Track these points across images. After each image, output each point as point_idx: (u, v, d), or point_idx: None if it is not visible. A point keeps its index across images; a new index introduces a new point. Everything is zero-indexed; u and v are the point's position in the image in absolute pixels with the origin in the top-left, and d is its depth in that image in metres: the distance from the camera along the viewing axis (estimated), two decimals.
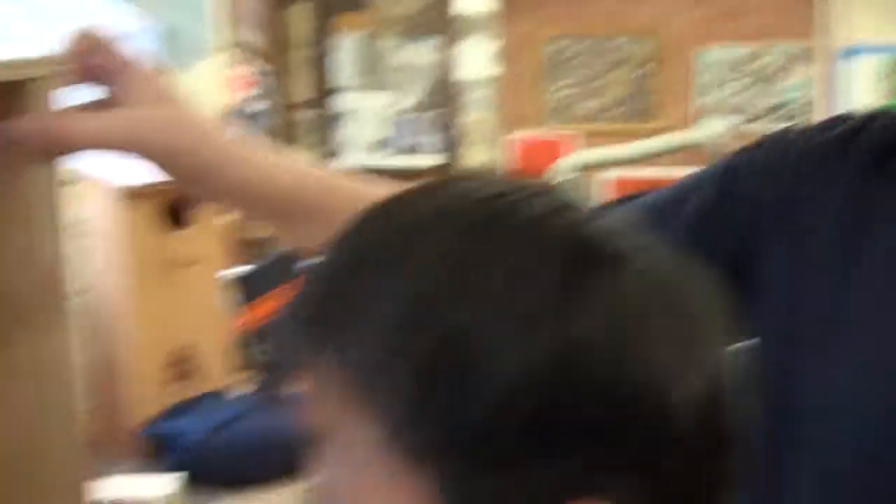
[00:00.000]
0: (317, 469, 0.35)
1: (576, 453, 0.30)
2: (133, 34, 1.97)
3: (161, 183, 0.72)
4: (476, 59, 3.56)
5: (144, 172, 0.61)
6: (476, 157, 3.81)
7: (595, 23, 3.93)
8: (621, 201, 0.63)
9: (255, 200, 0.56)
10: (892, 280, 0.51)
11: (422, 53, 3.57)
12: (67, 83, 0.51)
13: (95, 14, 1.91)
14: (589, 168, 3.77)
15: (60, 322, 0.53)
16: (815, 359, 0.51)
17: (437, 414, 0.30)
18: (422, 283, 0.31)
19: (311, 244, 0.53)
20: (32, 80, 0.49)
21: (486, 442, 0.30)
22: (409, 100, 3.57)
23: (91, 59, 0.51)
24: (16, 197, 0.51)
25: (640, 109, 4.02)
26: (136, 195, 1.19)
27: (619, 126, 4.00)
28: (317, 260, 0.36)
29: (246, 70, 2.73)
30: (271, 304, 1.87)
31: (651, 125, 3.98)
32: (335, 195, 0.56)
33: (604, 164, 3.82)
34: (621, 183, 3.55)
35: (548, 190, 0.35)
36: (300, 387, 0.35)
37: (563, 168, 3.73)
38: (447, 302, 0.31)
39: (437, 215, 0.33)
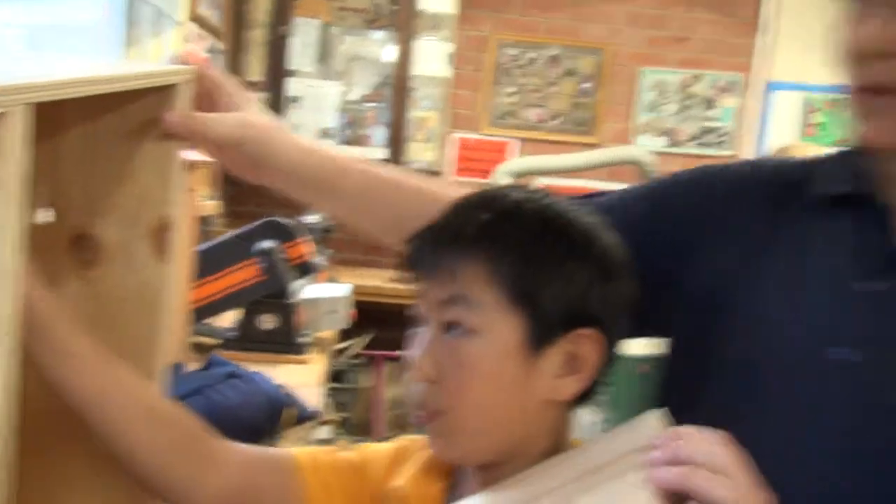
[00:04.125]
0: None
1: None
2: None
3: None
4: (430, 58, 3.60)
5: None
6: (419, 154, 3.84)
7: (547, 33, 4.03)
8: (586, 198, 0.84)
9: (312, 180, 0.73)
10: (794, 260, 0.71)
11: (377, 47, 3.58)
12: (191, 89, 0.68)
13: None
14: (525, 174, 3.86)
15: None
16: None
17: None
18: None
19: (343, 217, 0.80)
20: (177, 84, 0.64)
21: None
22: (359, 91, 3.59)
23: (205, 73, 0.68)
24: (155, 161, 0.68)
25: (580, 122, 4.14)
26: None
27: (559, 136, 4.11)
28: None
29: (200, 46, 2.69)
30: (222, 283, 1.86)
31: (589, 138, 4.11)
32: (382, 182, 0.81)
33: (540, 171, 3.92)
34: (553, 190, 3.64)
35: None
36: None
37: (502, 172, 3.80)
38: None
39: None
